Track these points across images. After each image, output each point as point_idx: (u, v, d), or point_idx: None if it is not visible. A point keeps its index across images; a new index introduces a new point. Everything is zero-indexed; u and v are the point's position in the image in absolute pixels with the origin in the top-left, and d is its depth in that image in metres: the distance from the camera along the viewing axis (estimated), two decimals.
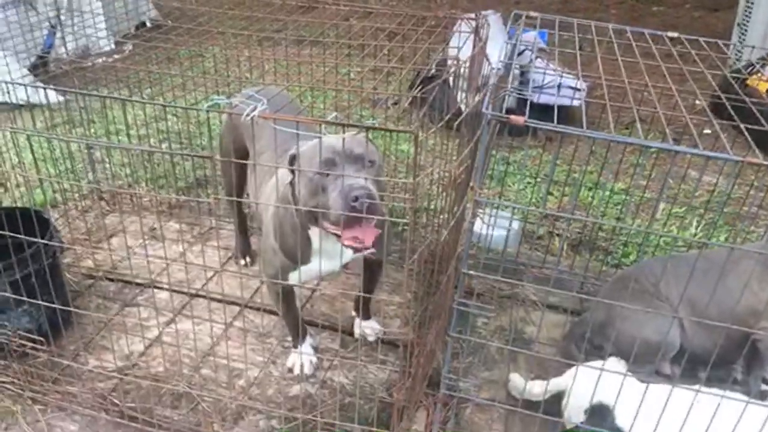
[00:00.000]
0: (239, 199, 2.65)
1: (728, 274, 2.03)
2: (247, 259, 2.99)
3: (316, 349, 2.46)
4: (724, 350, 1.94)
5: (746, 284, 1.97)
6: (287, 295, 2.22)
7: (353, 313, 2.60)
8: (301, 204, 1.83)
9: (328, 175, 1.72)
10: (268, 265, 2.15)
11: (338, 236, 1.77)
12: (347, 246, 1.76)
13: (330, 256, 2.01)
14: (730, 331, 1.68)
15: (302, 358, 2.37)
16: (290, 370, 2.38)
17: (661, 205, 3.39)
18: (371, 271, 2.37)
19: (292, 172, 1.86)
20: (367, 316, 2.56)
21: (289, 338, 2.43)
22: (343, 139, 1.71)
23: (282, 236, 2.02)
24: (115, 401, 2.20)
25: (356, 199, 1.64)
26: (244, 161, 2.38)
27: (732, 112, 1.81)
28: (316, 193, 1.76)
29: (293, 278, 2.11)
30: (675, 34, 2.29)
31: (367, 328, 2.55)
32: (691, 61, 2.11)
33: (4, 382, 2.24)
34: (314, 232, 1.97)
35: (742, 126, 1.67)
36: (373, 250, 1.75)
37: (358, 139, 1.82)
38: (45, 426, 2.13)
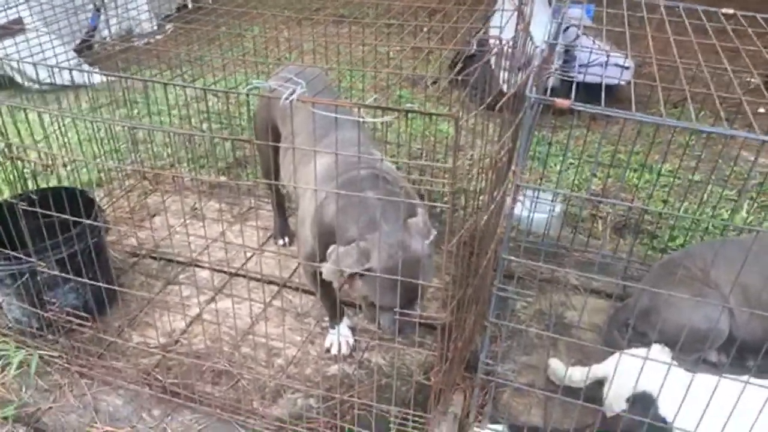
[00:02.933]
0: (277, 182, 2.65)
1: None
2: (285, 239, 3.01)
3: (353, 329, 2.46)
4: None
5: None
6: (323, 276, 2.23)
7: None
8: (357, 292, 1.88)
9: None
10: (304, 246, 2.15)
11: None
12: None
13: None
14: None
15: (339, 338, 2.38)
16: (328, 350, 2.40)
17: (710, 188, 3.26)
18: None
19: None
20: None
21: (327, 318, 2.44)
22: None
23: (320, 224, 2.01)
24: (158, 377, 2.26)
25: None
26: (282, 144, 2.38)
27: None
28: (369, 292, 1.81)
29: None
30: (731, 11, 2.18)
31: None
32: (746, 38, 2.01)
33: (52, 357, 2.32)
34: None
35: None
36: None
37: (427, 266, 1.83)
38: (91, 399, 2.20)
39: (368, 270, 1.76)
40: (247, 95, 1.57)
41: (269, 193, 3.02)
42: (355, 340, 2.43)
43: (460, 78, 1.93)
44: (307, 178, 2.06)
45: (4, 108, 2.02)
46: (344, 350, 2.38)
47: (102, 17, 5.29)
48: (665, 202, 3.28)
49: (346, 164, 1.85)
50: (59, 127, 2.86)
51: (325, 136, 1.99)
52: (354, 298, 1.92)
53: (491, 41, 3.10)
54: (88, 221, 2.06)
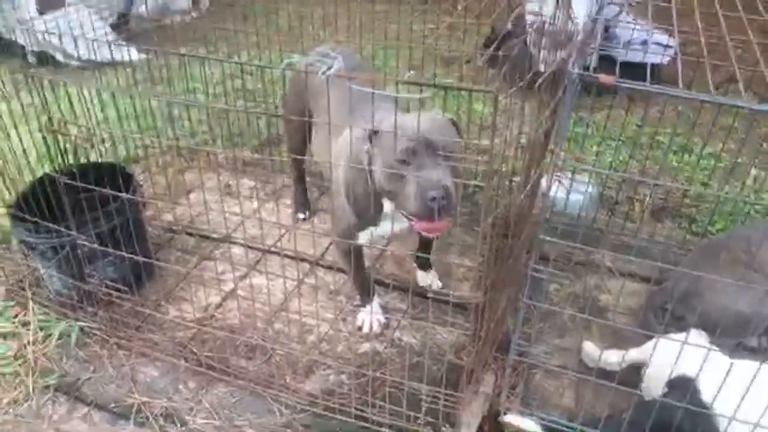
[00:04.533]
0: (310, 158, 2.66)
1: None
2: (306, 213, 3.04)
3: (384, 308, 2.47)
4: None
5: None
6: (356, 253, 2.24)
7: (414, 265, 2.64)
8: (376, 181, 1.85)
9: (407, 162, 1.73)
10: (338, 223, 2.16)
11: (410, 219, 1.81)
12: (417, 230, 1.82)
13: (400, 219, 2.01)
14: None
15: (371, 316, 2.39)
16: (359, 329, 2.41)
17: (754, 171, 3.17)
18: None
19: (371, 146, 1.86)
20: (427, 267, 2.60)
21: (358, 297, 2.45)
22: (418, 121, 1.69)
23: (355, 197, 2.02)
24: (194, 350, 2.30)
25: (433, 198, 1.66)
26: (314, 119, 2.39)
27: None
28: (393, 179, 1.76)
29: (363, 238, 2.13)
30: None
31: (432, 277, 2.60)
32: None
33: (92, 328, 2.38)
34: (387, 201, 1.97)
35: None
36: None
37: (439, 125, 1.80)
38: (129, 370, 2.26)
39: (376, 131, 1.80)
40: (283, 72, 1.57)
41: (292, 167, 3.03)
42: (386, 319, 2.44)
43: (498, 55, 1.90)
44: (340, 149, 2.06)
45: (45, 82, 2.05)
46: (375, 328, 2.39)
47: None
48: (706, 185, 3.19)
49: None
50: (98, 103, 2.90)
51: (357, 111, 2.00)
52: (389, 196, 1.86)
53: (529, 18, 3.04)
54: (127, 195, 2.09)
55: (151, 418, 2.07)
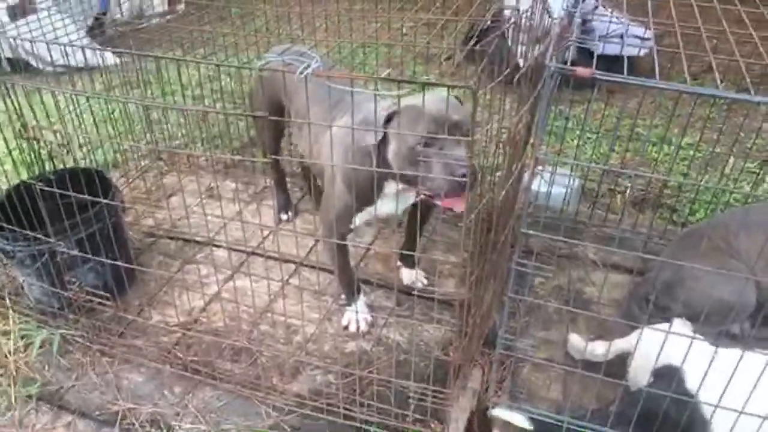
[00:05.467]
0: (287, 158, 2.65)
1: None
2: (289, 213, 3.03)
3: (370, 306, 2.47)
4: None
5: None
6: (342, 249, 2.24)
7: (399, 264, 2.64)
8: (394, 165, 1.88)
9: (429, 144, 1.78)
10: (335, 206, 2.16)
11: (431, 197, 1.86)
12: (443, 206, 1.89)
13: (395, 200, 2.06)
14: None
15: (357, 315, 2.39)
16: (346, 328, 2.40)
17: (732, 160, 3.21)
18: (421, 216, 2.38)
19: (385, 133, 1.87)
20: (412, 265, 2.60)
21: (344, 297, 2.44)
22: (433, 104, 1.74)
23: (357, 183, 2.04)
24: (179, 354, 2.28)
25: (463, 175, 1.71)
26: (292, 119, 2.39)
27: None
28: (416, 162, 1.79)
29: (360, 219, 2.16)
30: None
31: (417, 274, 2.60)
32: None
33: (73, 336, 2.34)
34: (389, 183, 2.01)
35: None
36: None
37: (454, 105, 1.84)
38: (113, 377, 2.23)
39: (395, 113, 1.83)
40: (259, 72, 1.57)
41: (270, 168, 3.02)
42: (372, 317, 2.43)
43: (475, 51, 1.90)
44: (336, 138, 2.06)
45: (19, 89, 2.01)
46: (362, 327, 2.38)
47: None
48: (685, 175, 3.22)
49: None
50: (74, 108, 2.87)
51: (340, 104, 2.01)
52: (411, 181, 1.89)
53: (506, 13, 3.05)
54: (106, 201, 2.06)
55: (136, 425, 2.05)
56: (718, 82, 1.42)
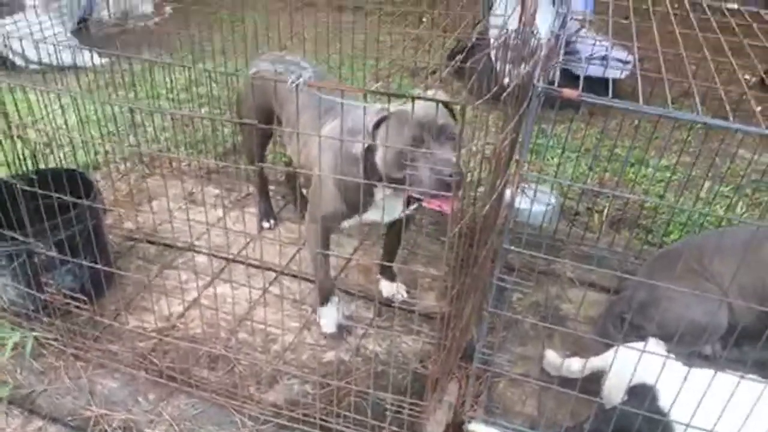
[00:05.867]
0: (288, 169, 2.67)
1: None
2: (272, 221, 3.03)
3: (349, 317, 2.48)
4: None
5: None
6: (326, 246, 2.27)
7: (378, 276, 2.65)
8: (383, 170, 1.91)
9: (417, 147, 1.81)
10: (324, 207, 2.17)
11: (419, 200, 1.90)
12: (430, 208, 1.93)
13: (390, 209, 2.09)
14: None
15: (328, 316, 2.41)
16: (324, 336, 2.41)
17: (707, 184, 3.28)
18: (400, 228, 2.42)
19: (373, 137, 1.90)
20: (392, 278, 2.61)
21: (318, 295, 2.44)
22: (422, 107, 1.77)
23: (347, 189, 2.06)
24: (155, 361, 2.25)
25: (450, 175, 1.74)
26: (285, 129, 2.40)
27: None
28: (404, 165, 1.82)
29: (346, 224, 2.19)
30: (734, 6, 2.18)
31: (397, 287, 2.61)
32: (751, 35, 2.01)
33: (48, 339, 2.31)
34: (378, 191, 2.03)
35: None
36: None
37: (442, 110, 1.87)
38: (86, 382, 2.20)
39: (384, 119, 1.86)
40: (250, 80, 1.58)
41: (254, 175, 3.02)
42: (346, 317, 2.46)
43: (463, 68, 1.93)
44: (326, 143, 2.09)
45: (4, 86, 2.00)
46: (333, 328, 2.41)
47: None
48: (661, 197, 3.29)
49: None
50: (58, 107, 2.84)
51: (331, 111, 2.05)
52: (399, 179, 1.90)
53: (492, 32, 3.10)
54: (87, 202, 2.05)
55: (109, 431, 2.02)
56: (698, 106, 1.47)
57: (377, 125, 1.90)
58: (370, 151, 1.94)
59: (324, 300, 2.41)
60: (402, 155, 1.82)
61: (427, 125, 1.80)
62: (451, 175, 1.74)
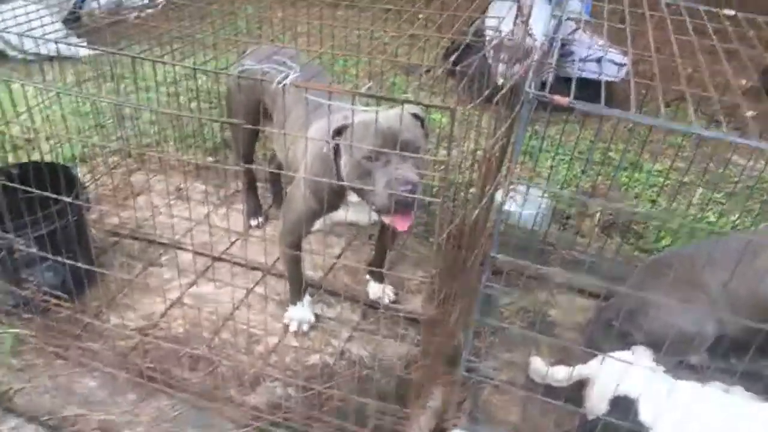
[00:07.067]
0: (276, 171, 2.62)
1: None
2: (259, 219, 3.00)
3: (333, 319, 2.44)
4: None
5: None
6: (297, 247, 2.22)
7: (367, 277, 2.62)
8: (344, 175, 1.87)
9: (373, 159, 1.76)
10: (297, 206, 2.14)
11: (378, 212, 1.84)
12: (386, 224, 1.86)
13: (359, 210, 2.03)
14: None
15: (296, 316, 2.39)
16: (287, 326, 2.40)
17: (699, 190, 3.26)
18: (392, 232, 2.36)
19: (337, 144, 1.86)
20: (380, 280, 2.58)
21: (290, 294, 2.42)
22: (386, 118, 1.72)
23: (319, 189, 2.01)
24: (135, 360, 2.21)
25: (401, 194, 1.69)
26: (273, 128, 2.35)
27: None
28: (360, 175, 1.79)
29: (317, 224, 2.14)
30: (732, 12, 2.15)
31: (384, 289, 2.57)
32: (744, 41, 1.98)
33: (27, 336, 2.26)
34: (351, 193, 1.98)
35: None
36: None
37: (407, 123, 1.81)
38: (65, 381, 2.16)
39: (344, 127, 1.81)
40: (237, 78, 1.55)
41: (241, 173, 2.97)
42: (316, 315, 2.45)
43: (456, 68, 1.90)
44: (301, 150, 2.07)
45: None
46: (304, 328, 2.39)
47: None
48: (654, 202, 3.27)
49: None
50: (43, 100, 2.79)
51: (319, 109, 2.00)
52: (359, 193, 1.87)
53: (488, 32, 3.06)
54: (68, 199, 2.00)
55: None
56: (691, 115, 1.43)
57: (338, 132, 1.84)
58: (337, 155, 1.90)
59: (294, 299, 2.38)
60: (360, 167, 1.78)
61: (389, 137, 1.72)
62: (402, 195, 1.69)
